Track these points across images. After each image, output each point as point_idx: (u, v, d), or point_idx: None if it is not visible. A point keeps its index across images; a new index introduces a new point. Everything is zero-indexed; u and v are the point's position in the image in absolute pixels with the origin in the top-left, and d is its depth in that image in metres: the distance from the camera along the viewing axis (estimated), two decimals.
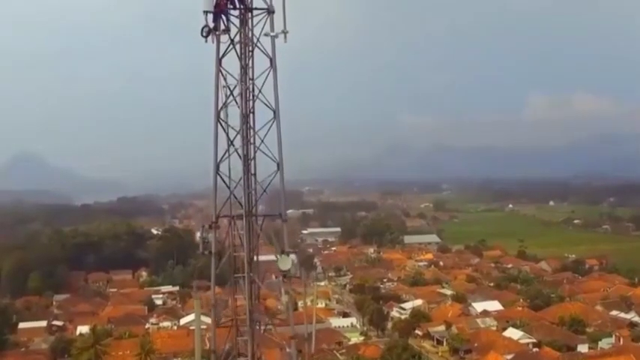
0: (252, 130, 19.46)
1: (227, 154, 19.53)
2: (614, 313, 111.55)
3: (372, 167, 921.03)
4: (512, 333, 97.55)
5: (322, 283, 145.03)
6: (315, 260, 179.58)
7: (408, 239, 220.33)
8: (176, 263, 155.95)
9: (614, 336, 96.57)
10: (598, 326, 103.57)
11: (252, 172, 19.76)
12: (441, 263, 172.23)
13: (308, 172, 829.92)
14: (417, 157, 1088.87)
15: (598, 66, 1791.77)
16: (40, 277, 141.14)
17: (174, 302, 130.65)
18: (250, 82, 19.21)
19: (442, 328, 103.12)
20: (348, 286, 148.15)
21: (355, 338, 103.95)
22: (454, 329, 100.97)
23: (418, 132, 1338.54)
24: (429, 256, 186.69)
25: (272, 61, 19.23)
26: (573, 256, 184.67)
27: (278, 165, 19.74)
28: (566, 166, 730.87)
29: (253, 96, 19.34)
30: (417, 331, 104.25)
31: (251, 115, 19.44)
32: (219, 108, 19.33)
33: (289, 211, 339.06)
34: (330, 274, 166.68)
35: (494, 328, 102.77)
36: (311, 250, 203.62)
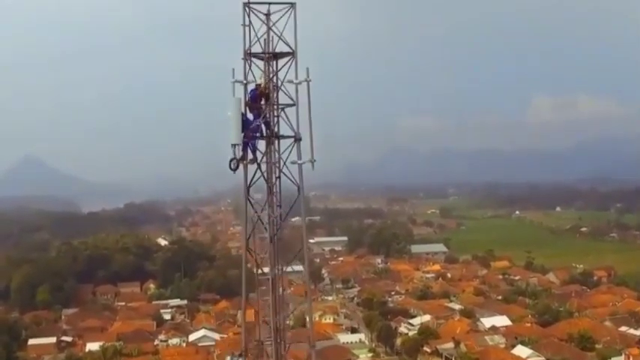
0: (278, 259, 19.77)
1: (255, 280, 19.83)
2: (623, 328, 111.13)
3: (377, 171, 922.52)
4: (521, 351, 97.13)
5: (330, 298, 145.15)
6: (323, 272, 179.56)
7: (415, 249, 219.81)
8: (184, 275, 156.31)
9: (624, 354, 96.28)
10: (607, 343, 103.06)
11: (280, 291, 20.16)
12: (449, 275, 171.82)
13: (314, 176, 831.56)
14: (420, 160, 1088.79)
15: (601, 67, 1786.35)
16: (49, 290, 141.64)
17: (182, 317, 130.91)
18: (278, 208, 19.33)
19: (450, 345, 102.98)
20: (355, 299, 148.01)
21: (364, 355, 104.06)
22: (462, 347, 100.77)
23: (420, 135, 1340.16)
24: (437, 267, 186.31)
25: (299, 188, 19.36)
26: (581, 266, 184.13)
27: (306, 293, 20.15)
28: (571, 170, 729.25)
29: (280, 223, 19.46)
30: (425, 349, 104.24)
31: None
32: (247, 237, 19.50)
33: (295, 219, 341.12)
34: (337, 286, 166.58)
35: (503, 345, 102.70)
36: (318, 261, 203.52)
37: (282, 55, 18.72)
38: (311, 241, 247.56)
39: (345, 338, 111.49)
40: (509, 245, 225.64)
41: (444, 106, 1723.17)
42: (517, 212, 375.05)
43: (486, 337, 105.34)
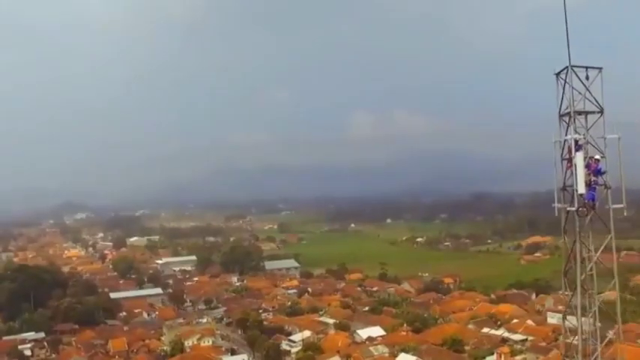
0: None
1: None
2: (485, 330, 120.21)
3: (203, 189, 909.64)
4: (405, 358, 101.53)
5: (204, 320, 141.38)
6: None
7: (268, 265, 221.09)
8: (34, 306, 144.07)
9: (495, 353, 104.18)
10: (474, 344, 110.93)
11: None
12: (309, 290, 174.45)
13: (138, 194, 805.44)
14: (248, 177, 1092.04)
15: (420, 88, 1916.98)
16: None
17: (43, 351, 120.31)
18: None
19: (338, 359, 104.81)
20: (225, 319, 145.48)
21: None
22: None
23: (247, 152, 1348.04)
24: (295, 282, 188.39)
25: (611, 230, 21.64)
26: (427, 274, 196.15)
27: None
28: (393, 183, 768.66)
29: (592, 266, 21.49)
30: None
31: None
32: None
33: (133, 239, 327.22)
34: (200, 308, 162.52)
35: (387, 355, 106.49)
36: (171, 282, 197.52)
37: (591, 112, 21.02)
38: (158, 261, 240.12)
39: None
40: (356, 257, 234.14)
41: (273, 122, 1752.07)
42: (352, 225, 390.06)
43: (371, 348, 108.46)
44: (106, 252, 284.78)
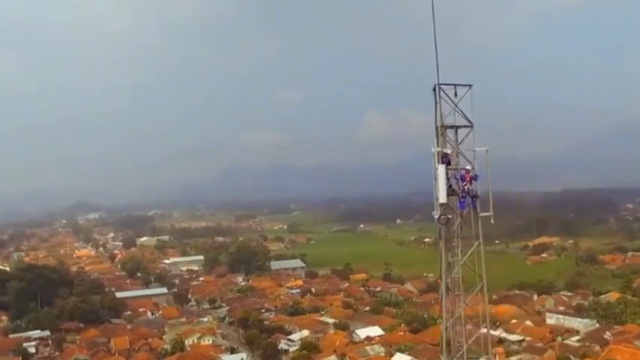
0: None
1: None
2: (483, 330, 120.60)
3: (214, 189, 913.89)
4: (400, 358, 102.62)
5: (206, 319, 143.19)
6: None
7: (274, 265, 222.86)
8: (41, 305, 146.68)
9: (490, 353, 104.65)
10: (472, 344, 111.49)
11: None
12: (313, 289, 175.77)
13: (151, 194, 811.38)
14: (259, 177, 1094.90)
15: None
16: None
17: (47, 349, 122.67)
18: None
19: (334, 358, 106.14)
20: (227, 318, 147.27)
21: None
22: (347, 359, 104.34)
23: (259, 152, 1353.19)
24: (299, 282, 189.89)
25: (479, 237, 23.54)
26: (432, 275, 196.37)
27: None
28: (402, 183, 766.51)
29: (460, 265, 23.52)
30: None
31: None
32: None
33: (143, 239, 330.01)
34: (204, 307, 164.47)
35: (383, 354, 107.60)
36: (177, 281, 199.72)
37: (462, 127, 22.78)
38: (166, 261, 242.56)
39: (227, 359, 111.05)
40: (362, 258, 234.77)
41: (283, 123, 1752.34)
42: (362, 225, 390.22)
43: (367, 348, 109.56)
44: (115, 252, 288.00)
